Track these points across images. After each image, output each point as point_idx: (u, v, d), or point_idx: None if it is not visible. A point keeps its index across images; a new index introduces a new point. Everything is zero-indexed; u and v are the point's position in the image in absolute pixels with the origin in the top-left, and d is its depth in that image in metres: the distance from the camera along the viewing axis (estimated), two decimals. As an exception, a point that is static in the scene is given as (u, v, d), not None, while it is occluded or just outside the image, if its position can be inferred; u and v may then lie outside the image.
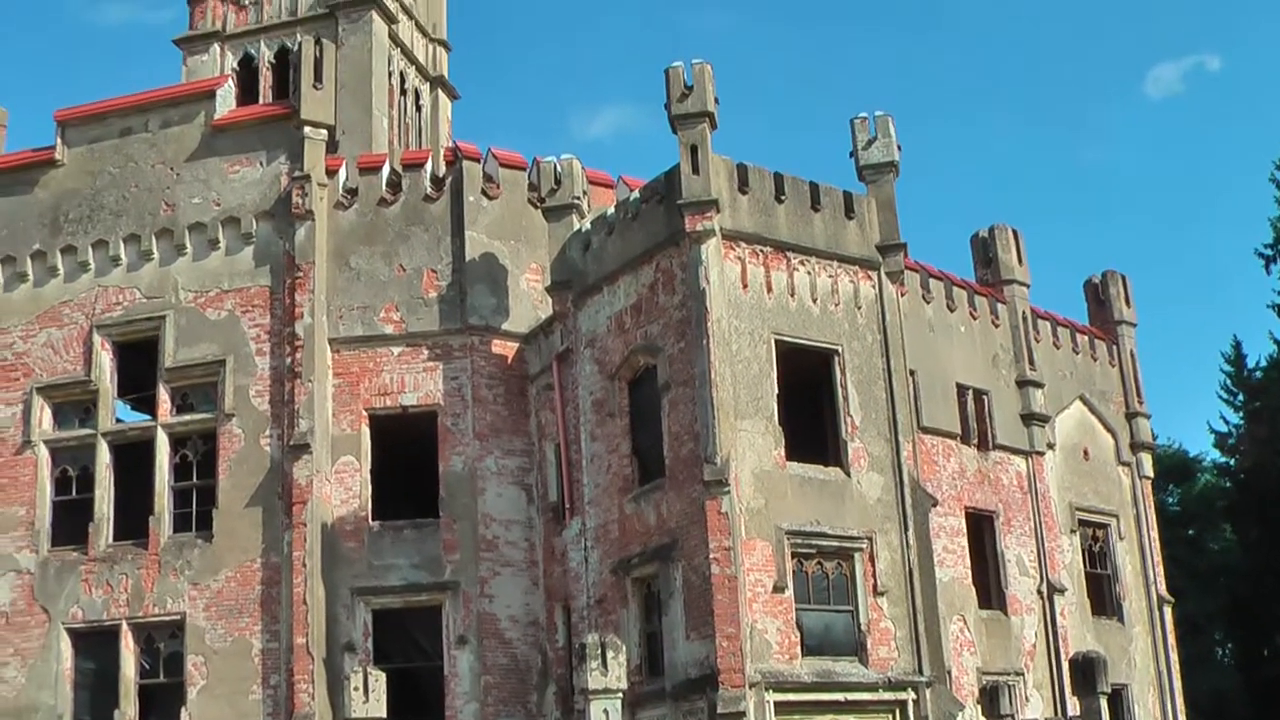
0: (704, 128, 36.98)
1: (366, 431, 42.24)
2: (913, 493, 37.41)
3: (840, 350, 37.74)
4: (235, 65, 59.59)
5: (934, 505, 38.77)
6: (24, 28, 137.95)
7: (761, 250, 37.31)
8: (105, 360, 43.83)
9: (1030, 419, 46.24)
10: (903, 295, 40.45)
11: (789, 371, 36.99)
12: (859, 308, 38.34)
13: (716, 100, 37.34)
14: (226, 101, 45.64)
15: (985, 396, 45.36)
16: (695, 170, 36.66)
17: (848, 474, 36.91)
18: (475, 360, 42.48)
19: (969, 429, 44.48)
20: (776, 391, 36.50)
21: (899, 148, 39.70)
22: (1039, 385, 46.82)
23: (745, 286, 36.74)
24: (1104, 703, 35.82)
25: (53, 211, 45.16)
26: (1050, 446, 46.86)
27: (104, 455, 43.40)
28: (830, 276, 38.11)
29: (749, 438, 35.58)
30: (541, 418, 42.00)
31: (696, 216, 36.21)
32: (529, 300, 43.38)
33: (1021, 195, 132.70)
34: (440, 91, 63.93)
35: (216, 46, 59.97)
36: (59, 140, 45.65)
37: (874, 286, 38.69)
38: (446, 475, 41.83)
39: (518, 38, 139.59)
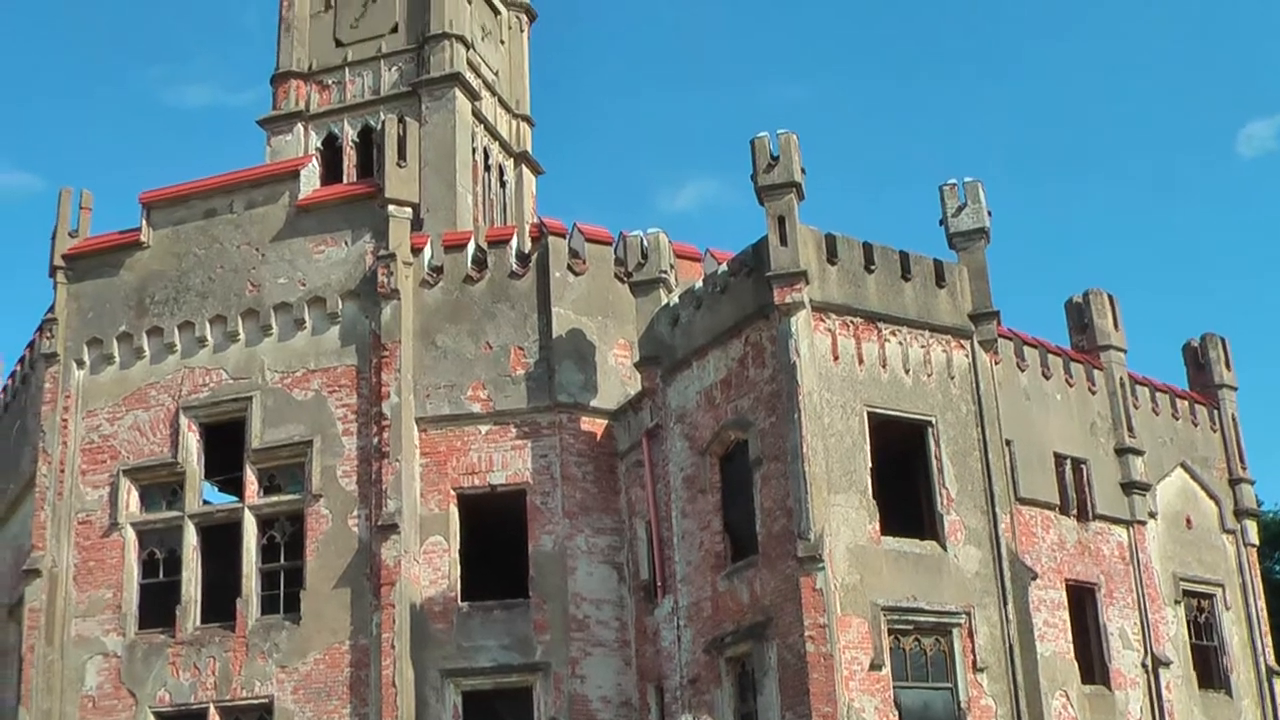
0: (791, 198, 36.87)
1: (455, 511, 42.18)
2: (1011, 566, 36.88)
3: (934, 421, 37.37)
4: (319, 145, 59.99)
5: (1033, 578, 38.14)
6: (107, 112, 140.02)
7: (852, 321, 37.05)
8: (192, 442, 44.05)
9: (1130, 488, 45.44)
10: (997, 364, 40.03)
11: (882, 444, 36.63)
12: (952, 378, 37.99)
13: (803, 170, 37.25)
14: (311, 181, 46.01)
15: (1084, 466, 44.65)
16: (783, 241, 36.53)
17: (944, 548, 36.44)
18: (564, 438, 42.35)
19: (1068, 499, 43.78)
20: (870, 465, 36.14)
21: (989, 213, 39.49)
22: (1139, 453, 46.05)
23: (836, 358, 36.49)
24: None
25: (139, 294, 45.58)
26: (1152, 515, 46.04)
27: (191, 537, 43.54)
28: (922, 346, 37.79)
29: (843, 512, 35.21)
30: (631, 495, 41.79)
31: (785, 289, 36.03)
32: (617, 376, 43.28)
33: (1115, 258, 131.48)
34: (524, 167, 64.09)
35: (300, 126, 60.40)
36: (144, 222, 46.18)
37: (967, 356, 38.35)
38: (536, 554, 41.65)
39: (601, 112, 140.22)
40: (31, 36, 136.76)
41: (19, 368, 51.65)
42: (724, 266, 39.23)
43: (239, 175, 46.46)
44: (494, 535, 42.75)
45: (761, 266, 36.82)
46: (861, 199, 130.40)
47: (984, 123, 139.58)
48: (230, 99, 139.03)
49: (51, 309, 46.43)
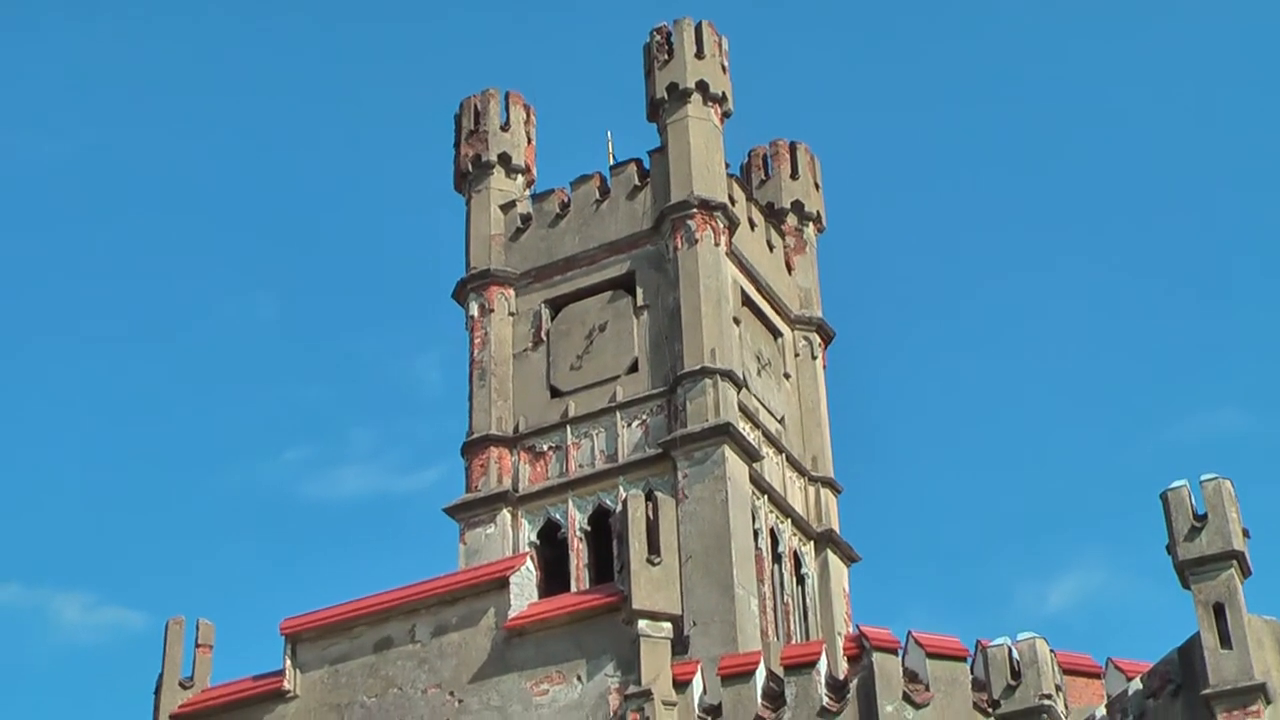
0: (1232, 576, 36.50)
1: None
2: None
3: None
4: (533, 538, 59.97)
5: None
6: (228, 513, 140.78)
7: (1349, 757, 36.17)
8: None
9: None
10: None
11: None
12: None
13: (1247, 533, 36.78)
14: (525, 591, 46.31)
15: None
16: (1224, 641, 36.07)
17: None
18: None
19: None
20: None
21: None
22: None
23: (1323, 812, 35.58)
24: None
25: (281, 765, 46.23)
26: None
27: None
28: None
29: None
30: None
31: (1236, 712, 35.30)
32: None
33: None
34: (830, 552, 63.64)
35: (506, 513, 60.46)
36: (287, 663, 46.99)
37: None
38: None
39: (934, 467, 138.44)
40: (126, 425, 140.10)
41: None
42: (1136, 683, 38.94)
43: (422, 589, 47.16)
44: None
45: (1194, 681, 36.33)
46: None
47: None
48: (403, 483, 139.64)
49: (155, 792, 47.30)
